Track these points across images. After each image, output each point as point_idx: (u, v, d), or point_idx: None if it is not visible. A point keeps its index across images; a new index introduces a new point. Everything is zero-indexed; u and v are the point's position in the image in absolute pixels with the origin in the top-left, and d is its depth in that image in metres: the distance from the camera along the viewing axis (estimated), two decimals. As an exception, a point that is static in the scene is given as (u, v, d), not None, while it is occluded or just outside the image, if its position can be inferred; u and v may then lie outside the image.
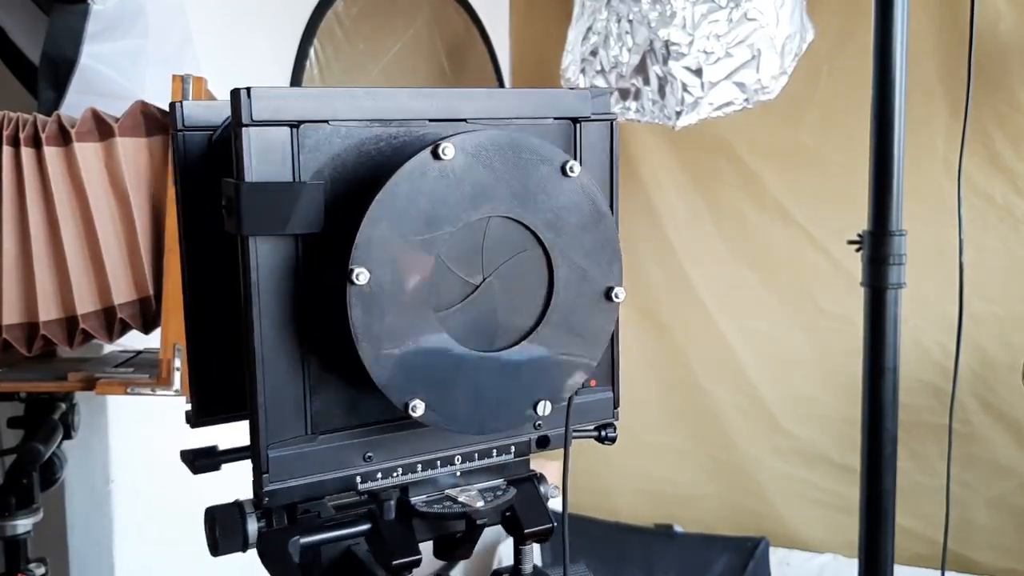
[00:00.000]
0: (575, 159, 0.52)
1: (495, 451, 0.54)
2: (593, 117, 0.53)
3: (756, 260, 2.14)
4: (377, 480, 0.50)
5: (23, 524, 0.88)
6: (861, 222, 1.20)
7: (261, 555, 0.50)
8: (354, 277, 0.44)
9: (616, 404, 0.57)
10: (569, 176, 0.50)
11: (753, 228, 2.13)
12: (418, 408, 0.47)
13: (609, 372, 0.56)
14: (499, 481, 0.55)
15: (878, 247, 1.17)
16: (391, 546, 0.51)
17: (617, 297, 0.52)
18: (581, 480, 2.24)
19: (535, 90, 0.52)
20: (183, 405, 0.65)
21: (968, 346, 1.67)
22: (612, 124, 0.54)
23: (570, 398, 0.53)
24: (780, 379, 2.14)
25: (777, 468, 2.16)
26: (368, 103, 0.48)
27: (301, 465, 0.48)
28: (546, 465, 0.61)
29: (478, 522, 0.52)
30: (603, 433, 0.57)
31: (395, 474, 0.51)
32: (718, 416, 2.21)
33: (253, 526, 0.50)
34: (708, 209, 2.19)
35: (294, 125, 0.46)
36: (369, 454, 0.50)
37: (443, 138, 0.46)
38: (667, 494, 2.27)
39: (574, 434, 0.55)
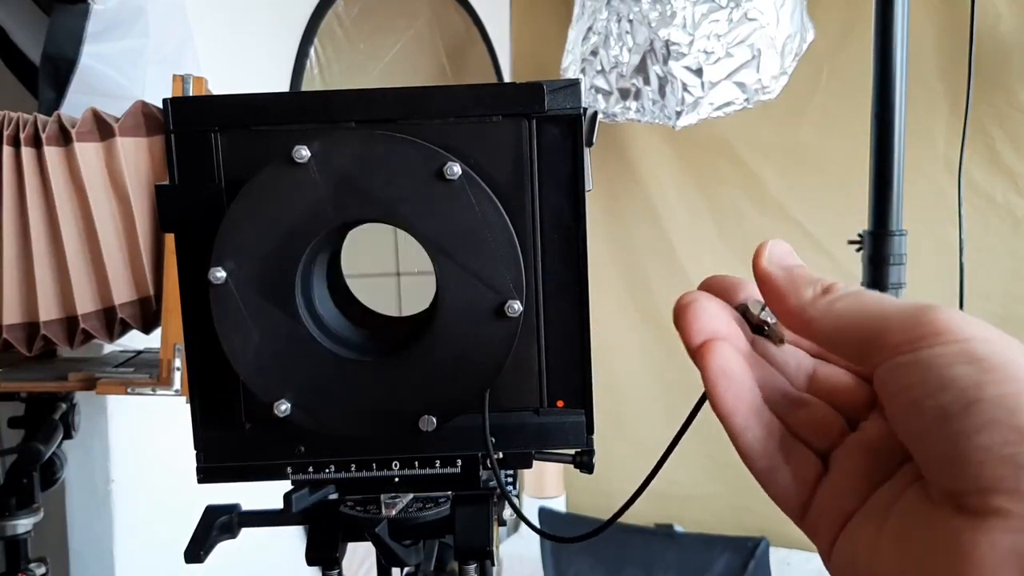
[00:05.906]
0: (530, 159, 0.48)
1: (438, 462, 0.51)
2: (550, 112, 0.48)
3: (756, 260, 2.14)
4: (308, 473, 0.51)
5: (23, 524, 0.88)
6: (861, 222, 1.20)
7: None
8: (211, 276, 0.45)
9: (590, 430, 0.51)
10: (447, 180, 0.45)
11: (753, 228, 2.12)
12: (285, 408, 0.47)
13: (580, 393, 0.50)
14: (444, 495, 0.53)
15: (878, 247, 1.16)
16: (308, 541, 0.53)
17: (511, 311, 0.46)
18: (581, 480, 2.24)
19: (480, 85, 0.49)
20: (183, 405, 0.65)
21: (968, 346, 1.67)
22: (576, 119, 0.48)
23: (484, 418, 0.48)
24: (780, 379, 2.14)
25: (777, 468, 2.16)
26: (290, 106, 0.48)
27: (232, 449, 0.50)
28: (545, 467, 0.60)
29: (375, 530, 0.51)
30: (579, 459, 0.52)
31: (327, 470, 0.51)
32: (718, 416, 2.21)
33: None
34: (708, 209, 2.19)
35: (214, 131, 0.47)
36: (300, 448, 0.50)
37: (299, 142, 0.45)
38: (667, 494, 2.27)
39: (550, 455, 0.52)
